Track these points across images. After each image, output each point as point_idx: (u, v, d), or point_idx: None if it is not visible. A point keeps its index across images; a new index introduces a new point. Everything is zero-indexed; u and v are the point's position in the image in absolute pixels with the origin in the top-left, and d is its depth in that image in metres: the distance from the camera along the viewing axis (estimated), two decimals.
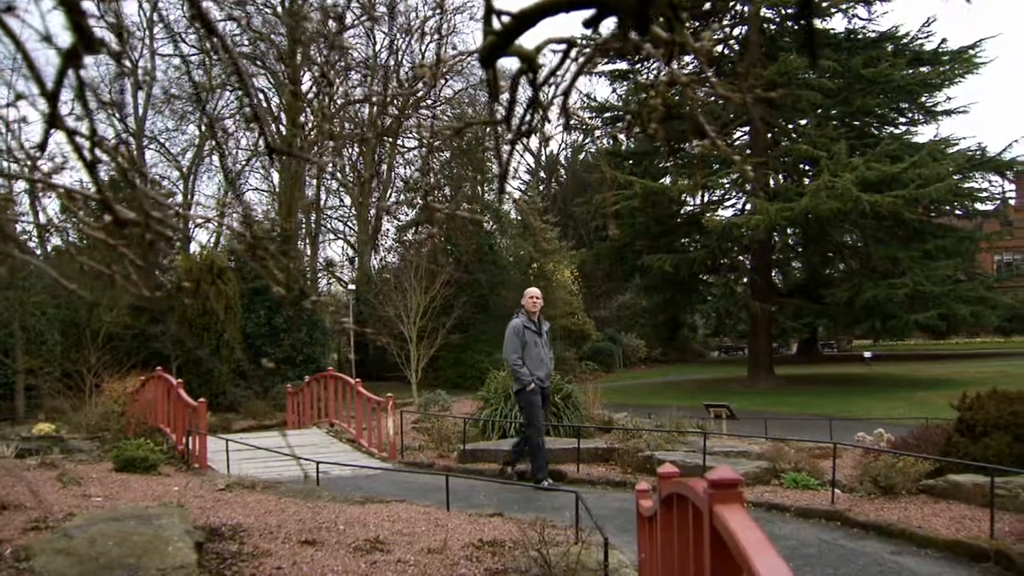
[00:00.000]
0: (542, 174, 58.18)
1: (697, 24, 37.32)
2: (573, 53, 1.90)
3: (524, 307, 10.50)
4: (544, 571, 5.15)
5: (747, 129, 36.95)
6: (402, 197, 41.22)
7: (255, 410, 24.35)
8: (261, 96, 35.65)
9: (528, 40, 1.90)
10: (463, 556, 6.13)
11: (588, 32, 1.90)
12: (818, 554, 6.60)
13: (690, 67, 34.08)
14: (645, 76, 38.62)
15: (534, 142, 58.73)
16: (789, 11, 35.97)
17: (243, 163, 39.97)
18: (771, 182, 35.37)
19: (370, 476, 11.64)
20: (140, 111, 35.82)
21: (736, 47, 38.27)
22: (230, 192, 38.40)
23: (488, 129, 2.05)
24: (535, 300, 10.53)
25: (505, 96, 1.99)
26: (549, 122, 2.09)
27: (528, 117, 1.97)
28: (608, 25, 1.92)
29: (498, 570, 5.70)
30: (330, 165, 40.21)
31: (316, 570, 5.76)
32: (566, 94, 1.97)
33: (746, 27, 36.82)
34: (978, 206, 37.36)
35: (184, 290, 23.21)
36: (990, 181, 36.86)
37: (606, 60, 37.96)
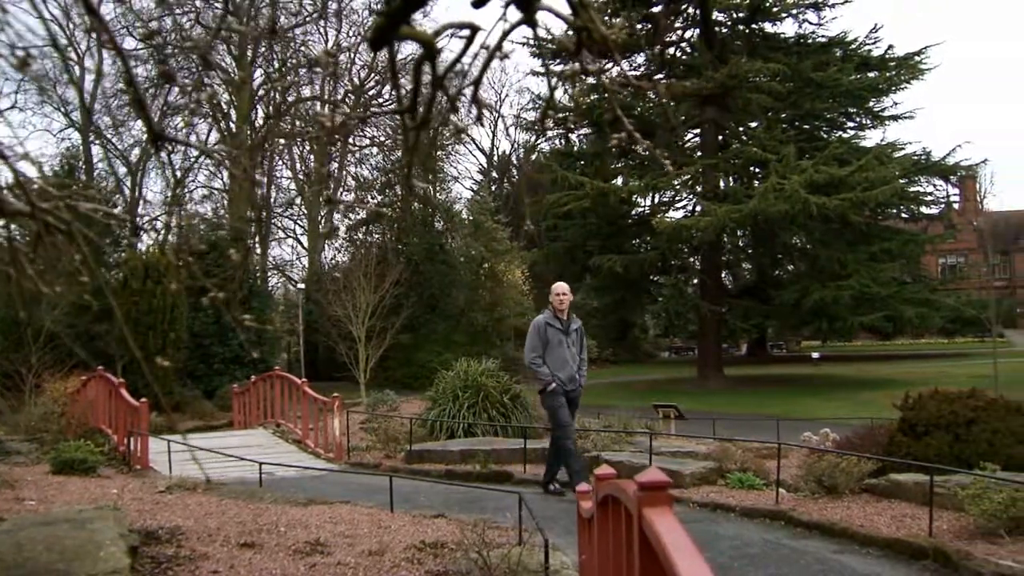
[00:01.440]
0: (494, 174, 58.13)
1: (648, 25, 37.55)
2: (480, 39, 1.82)
3: (551, 304, 9.66)
4: (484, 573, 5.08)
5: (698, 131, 37.21)
6: (354, 196, 40.88)
7: (202, 410, 24.04)
8: (210, 91, 35.21)
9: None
10: (404, 558, 6.05)
11: (507, 23, 1.83)
12: (761, 554, 6.61)
13: (642, 68, 34.35)
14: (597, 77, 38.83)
15: (487, 142, 58.80)
16: (740, 15, 36.32)
17: (193, 160, 39.47)
18: (721, 184, 35.64)
19: (316, 477, 11.50)
20: (87, 104, 35.10)
21: (688, 49, 38.52)
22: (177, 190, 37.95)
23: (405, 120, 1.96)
24: (561, 296, 9.61)
25: (445, 87, 1.92)
26: (457, 112, 2.02)
27: (439, 107, 1.90)
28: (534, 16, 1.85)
29: (439, 572, 5.63)
30: (273, 163, 39.93)
31: (253, 573, 5.65)
32: (476, 83, 1.90)
33: (698, 29, 37.04)
34: (923, 210, 38.04)
35: (130, 285, 22.88)
36: (934, 185, 37.58)
37: (558, 60, 38.03)
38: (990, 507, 6.42)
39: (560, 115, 38.29)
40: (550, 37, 36.91)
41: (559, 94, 40.41)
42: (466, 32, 1.79)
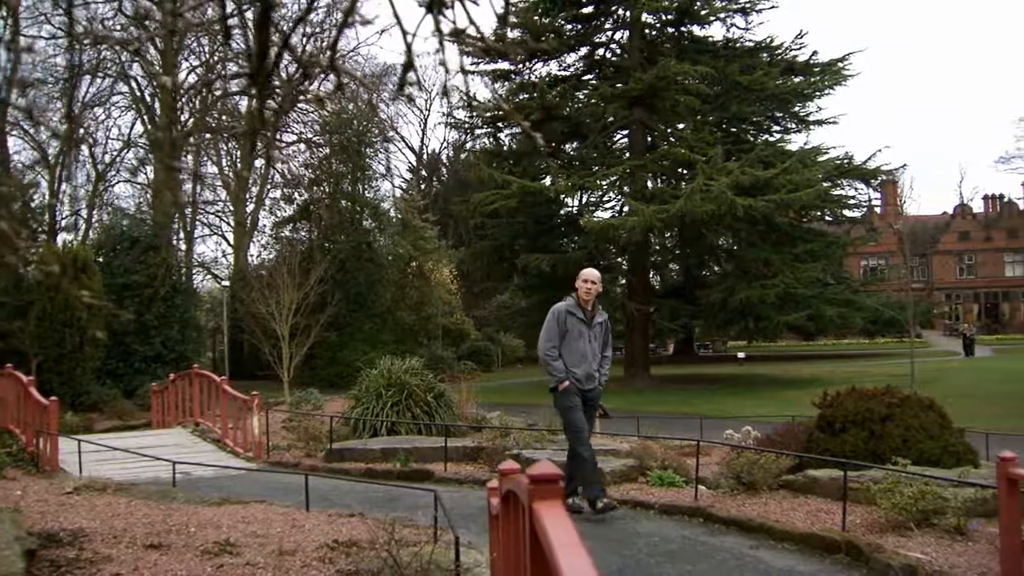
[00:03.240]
0: (423, 173, 57.92)
1: (580, 27, 37.70)
2: None
3: (576, 291, 8.33)
4: (394, 571, 4.98)
5: (626, 132, 37.45)
6: (281, 193, 40.35)
7: (120, 410, 23.52)
8: (135, 84, 34.48)
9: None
10: (316, 557, 5.92)
11: None
12: (679, 550, 6.60)
13: (572, 68, 34.44)
14: (526, 77, 38.90)
15: (416, 139, 58.51)
16: (669, 17, 36.63)
17: (116, 153, 38.64)
18: (649, 184, 35.90)
19: (233, 477, 11.26)
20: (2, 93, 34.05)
21: (618, 50, 38.75)
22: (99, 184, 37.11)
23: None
24: (589, 285, 8.27)
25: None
26: (310, 79, 1.92)
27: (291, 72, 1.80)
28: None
29: (350, 571, 5.51)
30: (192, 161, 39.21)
31: (158, 575, 5.46)
32: (332, 48, 1.81)
33: (627, 31, 37.27)
34: (846, 213, 38.75)
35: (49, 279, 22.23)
36: (856, 188, 38.31)
37: (487, 60, 37.99)
38: (900, 501, 6.50)
39: (489, 114, 38.26)
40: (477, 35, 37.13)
41: (487, 93, 40.38)
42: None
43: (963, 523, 6.42)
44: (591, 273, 8.47)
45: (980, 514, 6.61)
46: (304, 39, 31.11)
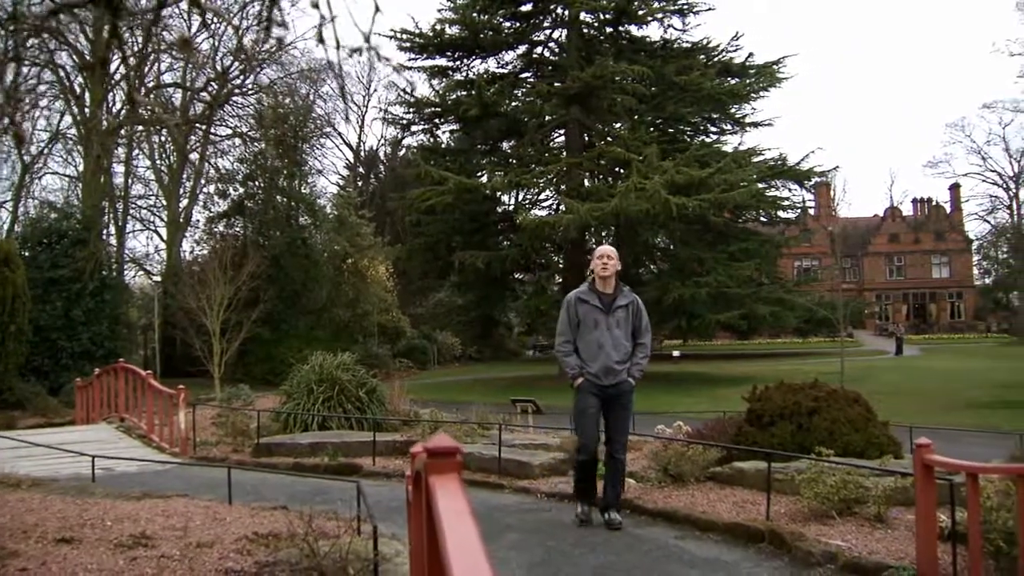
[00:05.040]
0: (361, 169, 57.51)
1: (518, 25, 37.69)
2: None
3: (593, 272, 7.35)
4: (312, 562, 4.88)
5: (564, 131, 37.54)
6: (215, 188, 39.71)
7: (45, 407, 23.00)
8: (63, 74, 33.63)
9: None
10: (234, 549, 5.78)
11: None
12: (604, 541, 6.58)
13: (510, 66, 34.41)
14: (464, 74, 38.82)
15: (353, 136, 58.04)
16: (607, 16, 36.78)
17: (43, 145, 37.71)
18: (585, 183, 36.02)
19: (157, 472, 11.01)
20: None
21: (556, 49, 38.82)
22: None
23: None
24: (605, 261, 7.23)
25: None
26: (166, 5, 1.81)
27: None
28: None
29: (268, 562, 5.39)
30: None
31: (67, 569, 5.28)
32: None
33: (566, 30, 37.36)
34: (781, 214, 39.20)
35: None
36: (790, 190, 38.79)
37: (424, 56, 37.85)
38: (823, 490, 6.56)
39: (427, 110, 38.15)
40: (417, 31, 36.98)
41: (425, 89, 40.20)
42: None
43: (884, 511, 6.50)
44: (605, 249, 7.44)
45: (900, 502, 6.68)
46: None
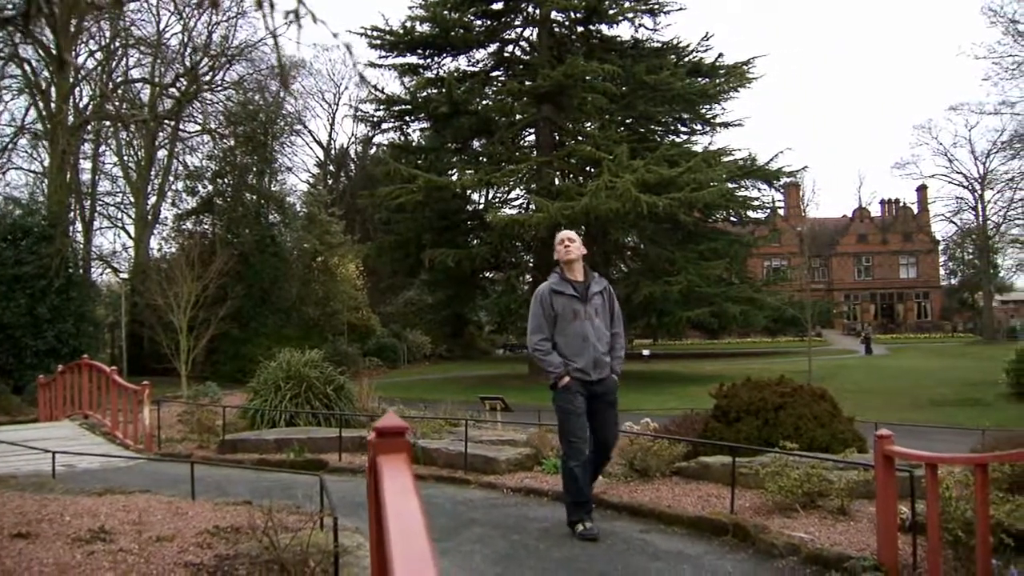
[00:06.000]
0: (331, 167, 57.29)
1: (490, 23, 37.65)
2: None
3: (557, 260, 6.87)
4: (272, 554, 4.84)
5: (534, 129, 37.54)
6: (184, 185, 39.41)
7: (8, 405, 22.81)
8: (28, 68, 33.21)
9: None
10: (194, 543, 5.72)
11: None
12: (568, 534, 6.56)
13: (481, 64, 34.38)
14: (435, 72, 38.73)
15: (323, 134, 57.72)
16: (578, 15, 36.82)
17: (7, 139, 37.25)
18: (556, 181, 36.04)
19: (121, 469, 10.90)
20: None
21: (527, 47, 38.83)
22: None
23: None
24: (567, 244, 6.76)
25: None
26: None
27: None
28: None
29: (228, 556, 5.33)
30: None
31: (22, 563, 5.20)
32: None
33: (537, 29, 37.37)
34: (751, 214, 39.39)
35: None
36: (760, 189, 39.00)
37: (395, 53, 37.73)
38: (787, 483, 6.58)
39: (397, 108, 38.05)
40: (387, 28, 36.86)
41: (396, 87, 40.07)
42: None
43: (846, 504, 6.54)
44: (564, 232, 6.97)
45: (863, 495, 6.72)
46: None
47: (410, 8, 36.56)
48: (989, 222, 57.08)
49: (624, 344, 6.99)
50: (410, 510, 1.46)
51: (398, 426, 1.95)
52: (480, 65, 39.18)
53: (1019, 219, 53.21)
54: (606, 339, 6.74)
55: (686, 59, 38.26)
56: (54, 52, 30.99)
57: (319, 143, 58.28)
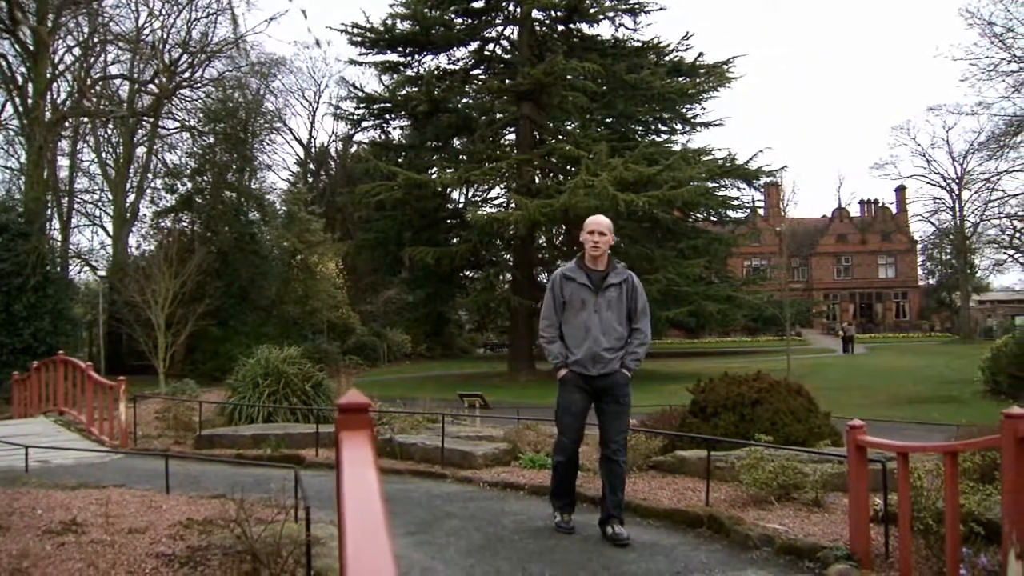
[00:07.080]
0: (311, 165, 57.14)
1: (470, 21, 37.62)
2: None
3: (583, 246, 6.38)
4: (245, 545, 4.82)
5: (515, 128, 37.52)
6: (162, 182, 39.17)
7: None
8: (4, 63, 32.93)
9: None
10: (167, 535, 5.70)
11: None
12: (544, 527, 6.58)
13: (461, 62, 34.29)
14: (416, 70, 38.67)
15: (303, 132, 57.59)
16: (559, 14, 36.84)
17: None
18: (536, 180, 36.06)
19: (96, 464, 10.82)
20: None
21: (507, 46, 38.82)
22: None
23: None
24: (597, 239, 6.23)
25: None
26: None
27: None
28: None
29: (201, 547, 5.32)
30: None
31: None
32: None
33: (517, 27, 37.35)
34: (730, 213, 39.50)
35: None
36: (739, 189, 39.13)
37: (376, 51, 37.64)
38: (762, 476, 6.62)
39: (377, 106, 37.96)
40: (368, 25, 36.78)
41: (376, 85, 40.00)
42: None
43: (821, 496, 6.59)
44: (597, 221, 6.34)
45: (838, 488, 6.77)
46: None
47: (391, 5, 36.47)
48: (966, 222, 57.50)
49: (646, 341, 6.43)
50: (367, 480, 1.46)
51: (360, 403, 1.94)
52: (461, 63, 39.15)
53: (996, 220, 53.56)
54: (615, 334, 6.23)
55: (666, 58, 38.38)
56: (31, 48, 30.83)
57: (299, 141, 58.20)
